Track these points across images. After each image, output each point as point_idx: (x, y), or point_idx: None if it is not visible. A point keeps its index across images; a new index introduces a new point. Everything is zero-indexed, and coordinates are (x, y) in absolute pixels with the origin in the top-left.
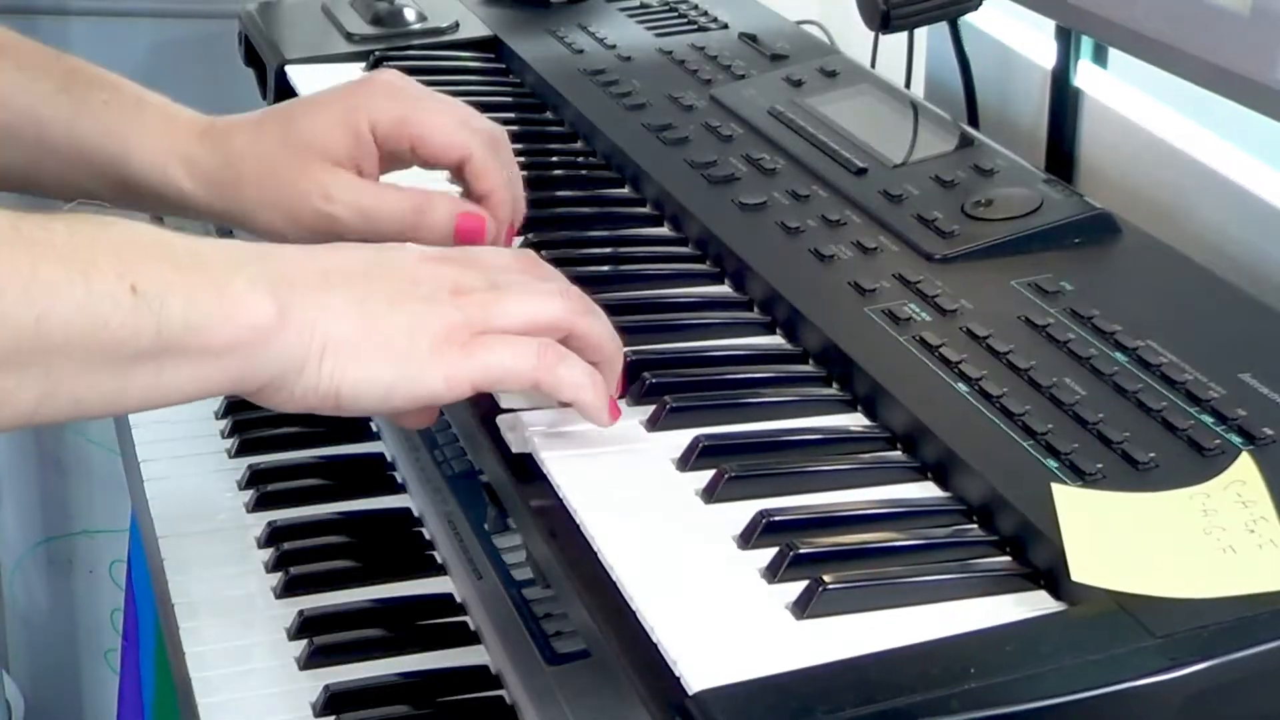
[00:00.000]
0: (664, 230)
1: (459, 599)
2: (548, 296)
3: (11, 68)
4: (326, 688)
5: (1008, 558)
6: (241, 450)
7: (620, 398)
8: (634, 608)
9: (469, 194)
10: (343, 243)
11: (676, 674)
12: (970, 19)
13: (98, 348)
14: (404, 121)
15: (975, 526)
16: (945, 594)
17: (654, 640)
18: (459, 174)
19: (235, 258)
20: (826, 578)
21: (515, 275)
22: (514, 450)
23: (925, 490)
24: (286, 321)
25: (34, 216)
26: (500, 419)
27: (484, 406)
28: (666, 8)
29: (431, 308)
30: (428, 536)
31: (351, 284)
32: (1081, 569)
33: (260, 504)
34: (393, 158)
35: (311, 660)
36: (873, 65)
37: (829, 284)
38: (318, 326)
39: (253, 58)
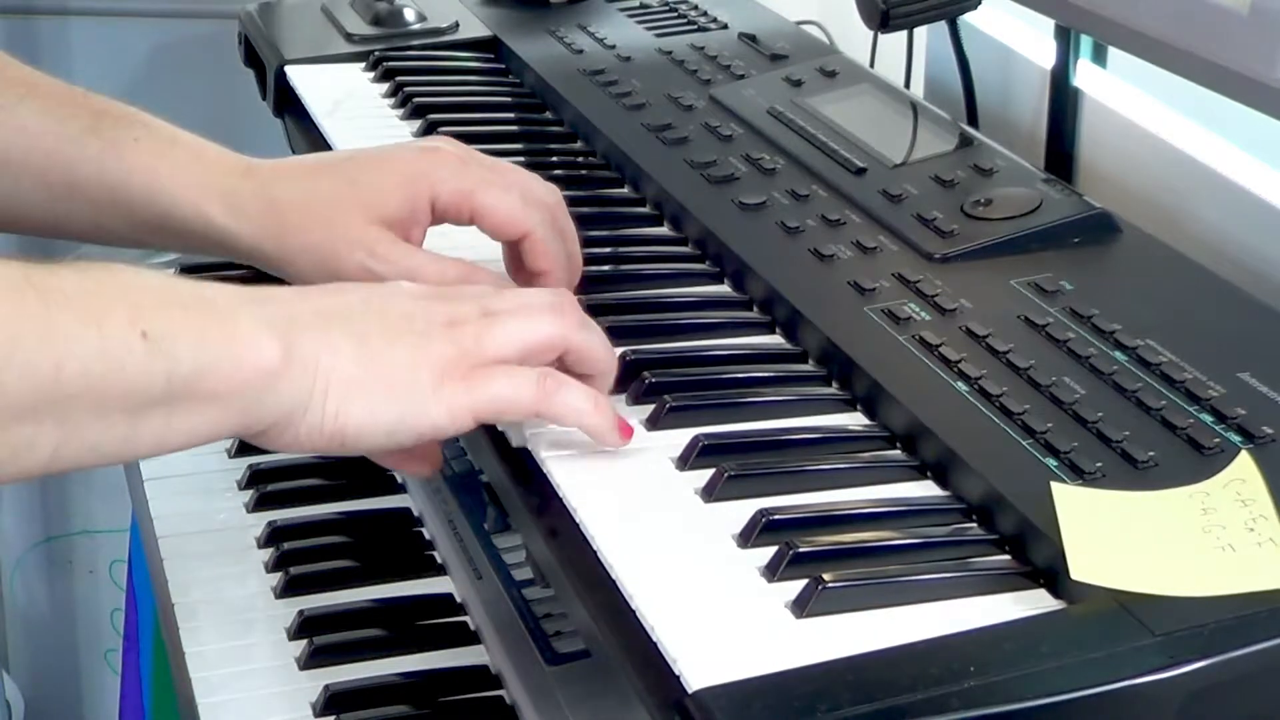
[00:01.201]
0: (664, 230)
1: (459, 599)
2: (539, 316)
3: (38, 110)
4: (326, 688)
5: (1007, 556)
6: (241, 450)
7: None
8: (633, 607)
9: (526, 266)
10: (338, 283)
11: (676, 673)
12: (969, 18)
13: (112, 394)
14: (467, 196)
15: (975, 525)
16: (944, 593)
17: (653, 639)
18: (516, 248)
19: (238, 300)
20: (826, 576)
21: (507, 299)
22: (513, 444)
23: (925, 489)
24: (291, 362)
25: (42, 265)
26: None
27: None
28: (666, 8)
29: (429, 342)
30: (428, 536)
31: (349, 323)
32: (1081, 567)
33: (260, 504)
34: (445, 221)
35: (311, 660)
36: (872, 65)
37: (829, 283)
38: (321, 366)
39: (252, 58)
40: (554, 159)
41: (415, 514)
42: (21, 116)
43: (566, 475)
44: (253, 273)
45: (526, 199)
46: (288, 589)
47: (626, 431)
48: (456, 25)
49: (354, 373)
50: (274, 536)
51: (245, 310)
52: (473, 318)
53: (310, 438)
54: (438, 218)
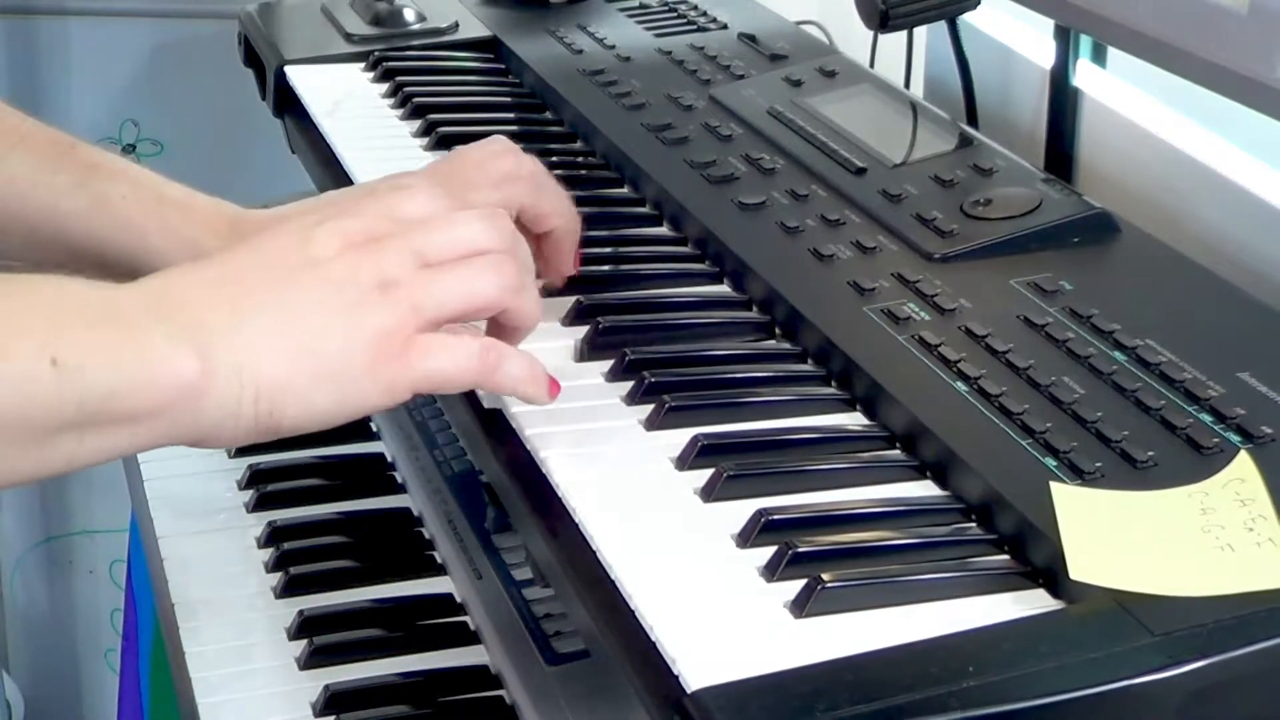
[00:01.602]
0: (663, 230)
1: (459, 599)
2: (481, 276)
3: (30, 161)
4: (326, 688)
5: (1006, 556)
6: (241, 450)
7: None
8: (633, 606)
9: (534, 238)
10: (256, 240)
11: (675, 672)
12: (969, 18)
13: (19, 423)
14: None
15: (974, 525)
16: (944, 592)
17: (653, 639)
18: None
19: (154, 309)
20: (825, 576)
21: (442, 238)
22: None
23: (924, 489)
24: (213, 373)
25: None
26: None
27: (483, 408)
28: (666, 8)
29: (360, 316)
30: (428, 536)
31: (272, 311)
32: (1080, 567)
33: (260, 504)
34: None
35: (311, 660)
36: (872, 65)
37: (828, 283)
38: (245, 370)
39: (252, 58)
40: (554, 159)
41: (415, 514)
42: (12, 167)
43: (566, 475)
44: None
45: (497, 225)
46: (288, 589)
47: (555, 388)
48: (456, 25)
49: (281, 370)
50: (274, 536)
51: (160, 324)
52: (407, 274)
53: (246, 438)
54: None
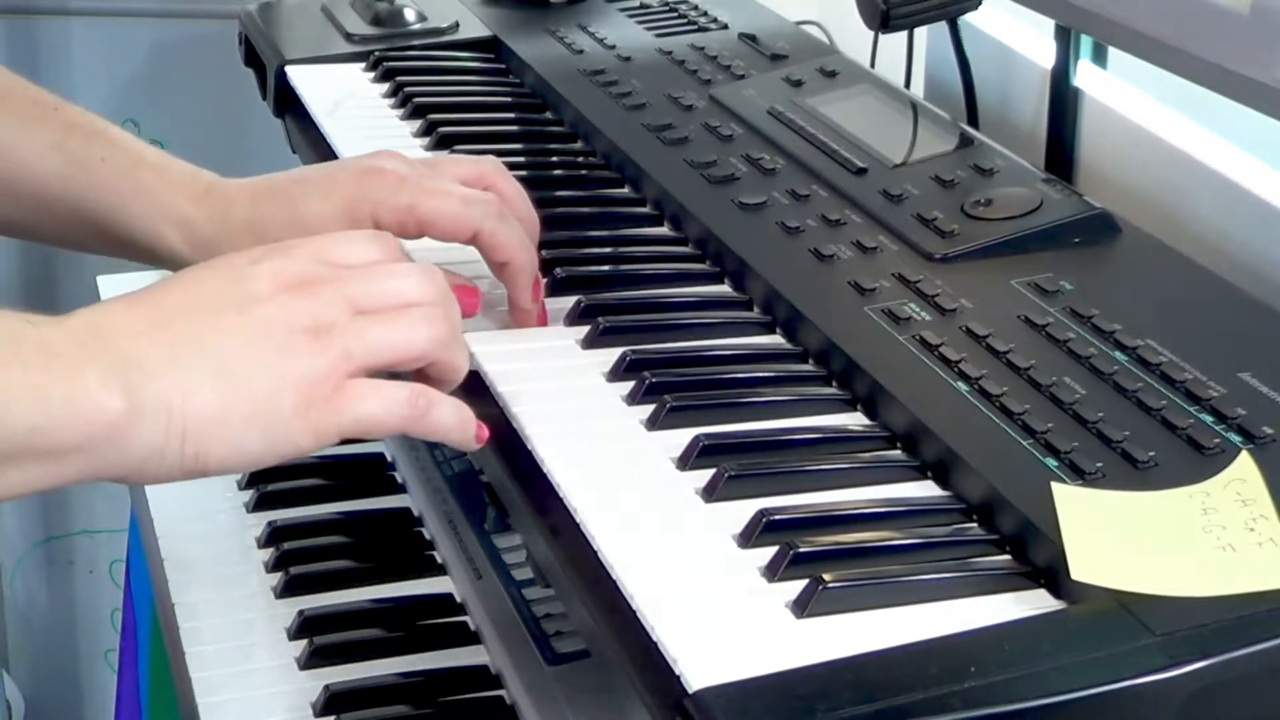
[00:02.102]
0: (664, 230)
1: (459, 599)
2: (413, 328)
3: (11, 120)
4: (326, 688)
5: (1007, 556)
6: None
7: None
8: (634, 607)
9: (489, 263)
10: (187, 277)
11: (676, 673)
12: (970, 19)
13: None
14: (408, 212)
15: (975, 525)
16: (945, 593)
17: (653, 639)
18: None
19: (84, 345)
20: (826, 576)
21: (378, 288)
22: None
23: (925, 489)
24: (141, 413)
25: None
26: None
27: (484, 407)
28: (666, 8)
29: (290, 360)
30: (428, 536)
31: (204, 350)
32: (1081, 568)
33: (260, 504)
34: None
35: (311, 660)
36: (872, 65)
37: (829, 284)
38: (173, 411)
39: (253, 58)
40: (554, 159)
41: (415, 514)
42: None
43: (567, 475)
44: None
45: (467, 200)
46: (288, 589)
47: (482, 434)
48: (456, 25)
49: (210, 411)
50: (274, 536)
51: (90, 360)
52: (340, 320)
53: (171, 475)
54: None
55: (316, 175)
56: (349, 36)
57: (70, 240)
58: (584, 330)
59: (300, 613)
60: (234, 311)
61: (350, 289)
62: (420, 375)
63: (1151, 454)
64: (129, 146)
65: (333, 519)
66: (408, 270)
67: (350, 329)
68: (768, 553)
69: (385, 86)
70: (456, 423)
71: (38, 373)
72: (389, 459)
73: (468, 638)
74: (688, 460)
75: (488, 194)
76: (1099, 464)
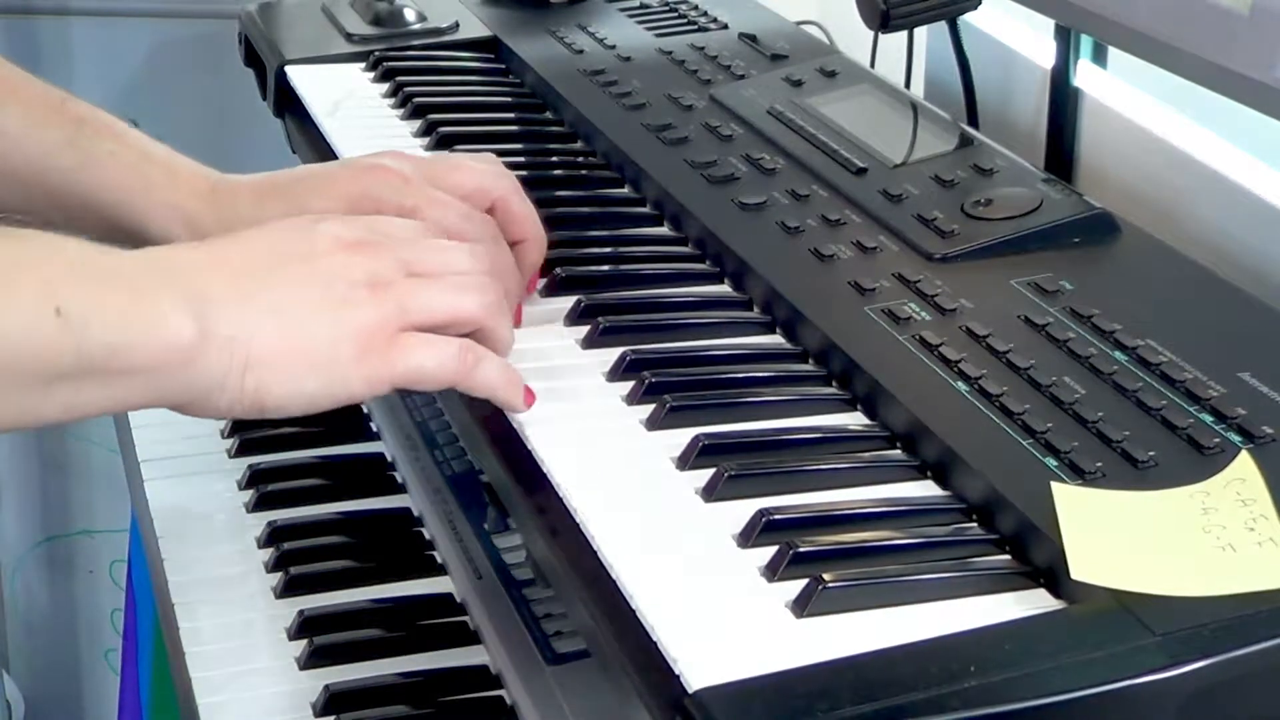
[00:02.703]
0: (664, 230)
1: (459, 599)
2: (464, 293)
3: (20, 114)
4: (326, 688)
5: (1007, 556)
6: (241, 450)
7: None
8: (634, 607)
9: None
10: (260, 229)
11: (676, 673)
12: (970, 19)
13: (19, 368)
14: (411, 213)
15: (975, 525)
16: (945, 592)
17: (653, 639)
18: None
19: (156, 274)
20: (826, 576)
21: (431, 255)
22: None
23: (925, 489)
24: (208, 341)
25: None
26: None
27: (484, 407)
28: (666, 8)
29: (350, 310)
30: (428, 536)
31: (269, 290)
32: (1081, 567)
33: (260, 504)
34: None
35: (311, 660)
36: (872, 65)
37: (829, 283)
38: (238, 343)
39: (253, 58)
40: (554, 159)
41: (415, 514)
42: (2, 121)
43: (567, 474)
44: None
45: (468, 217)
46: (288, 589)
47: (530, 397)
48: (456, 25)
49: (273, 348)
50: (274, 536)
51: (163, 288)
52: (396, 277)
53: (230, 409)
54: None
55: (320, 173)
56: (349, 36)
57: (76, 233)
58: (584, 330)
59: (300, 613)
60: (298, 262)
61: (405, 253)
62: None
63: (1151, 454)
64: (136, 142)
65: (333, 519)
66: (457, 244)
67: (405, 287)
68: (767, 552)
69: (385, 86)
70: (503, 381)
71: (114, 294)
72: (389, 459)
73: (468, 638)
74: (688, 460)
75: (485, 217)
76: (1099, 464)
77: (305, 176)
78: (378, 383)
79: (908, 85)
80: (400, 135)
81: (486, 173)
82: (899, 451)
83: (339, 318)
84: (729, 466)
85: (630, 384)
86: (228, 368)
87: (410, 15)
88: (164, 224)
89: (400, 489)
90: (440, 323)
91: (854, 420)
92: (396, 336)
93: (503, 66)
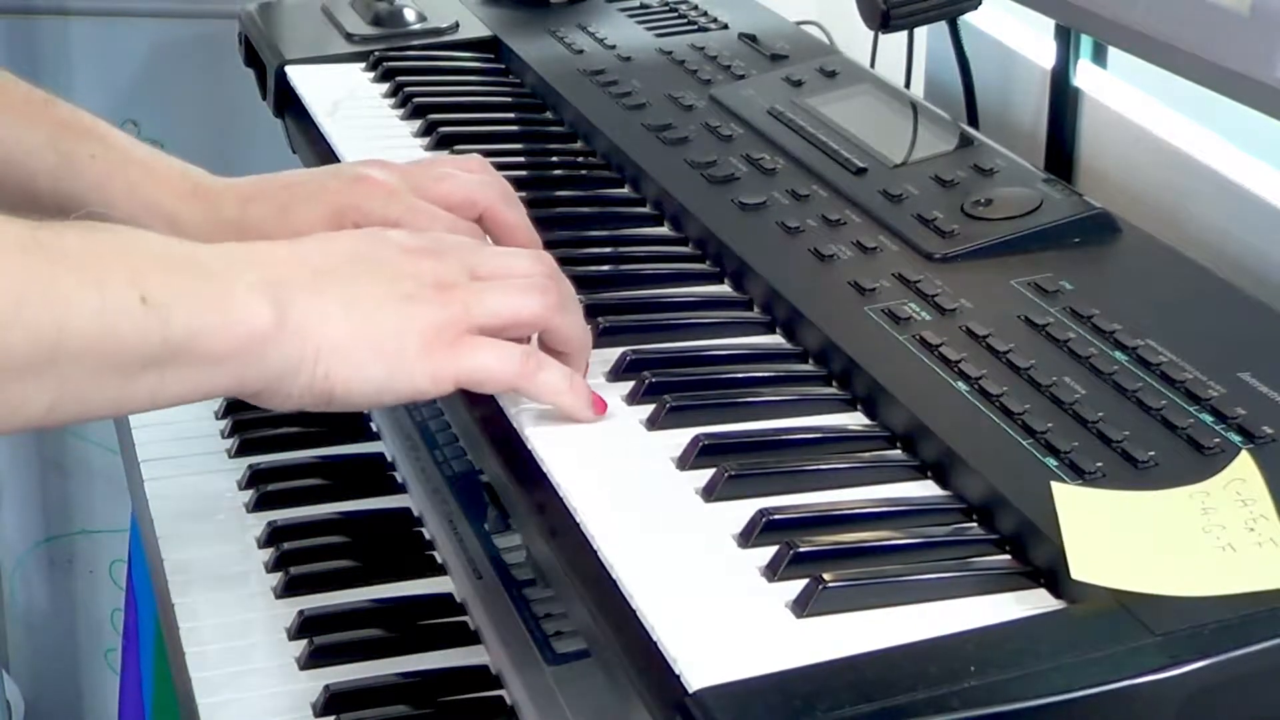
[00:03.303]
0: (664, 230)
1: (459, 599)
2: (527, 294)
3: (3, 117)
4: (326, 688)
5: (1007, 556)
6: (241, 450)
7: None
8: (634, 607)
9: None
10: (328, 234)
11: (676, 673)
12: (970, 19)
13: (108, 356)
14: (397, 225)
15: (975, 525)
16: (945, 592)
17: (653, 639)
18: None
19: (234, 264)
20: (826, 576)
21: (494, 261)
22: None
23: (925, 489)
24: (284, 327)
25: (48, 225)
26: None
27: (483, 407)
28: (666, 8)
29: (417, 308)
30: (428, 536)
31: (341, 285)
32: (1081, 567)
33: (260, 504)
34: None
35: (311, 660)
36: (872, 65)
37: (829, 283)
38: (311, 331)
39: (253, 58)
40: (554, 159)
41: (415, 514)
42: None
43: (566, 474)
44: None
45: (454, 226)
46: (288, 589)
47: (600, 406)
48: (456, 25)
49: (344, 337)
50: (274, 536)
51: (240, 276)
52: (461, 281)
53: (301, 398)
54: None
55: (307, 180)
56: (349, 36)
57: None
58: None
59: (300, 613)
60: (369, 260)
61: (469, 259)
62: (543, 346)
63: (1151, 454)
64: (118, 144)
65: (333, 519)
66: (519, 251)
67: (470, 289)
68: (768, 552)
69: (385, 86)
70: (566, 386)
71: (196, 282)
72: (389, 459)
73: (468, 638)
74: (688, 460)
75: (472, 226)
76: (1099, 464)
77: (293, 183)
78: (442, 379)
79: (908, 85)
80: (400, 135)
81: (472, 183)
82: (899, 451)
83: (406, 312)
84: (729, 466)
85: (630, 384)
86: (301, 355)
87: (410, 15)
88: (145, 226)
89: (400, 489)
90: (504, 323)
91: (854, 420)
92: (462, 336)
93: (503, 66)
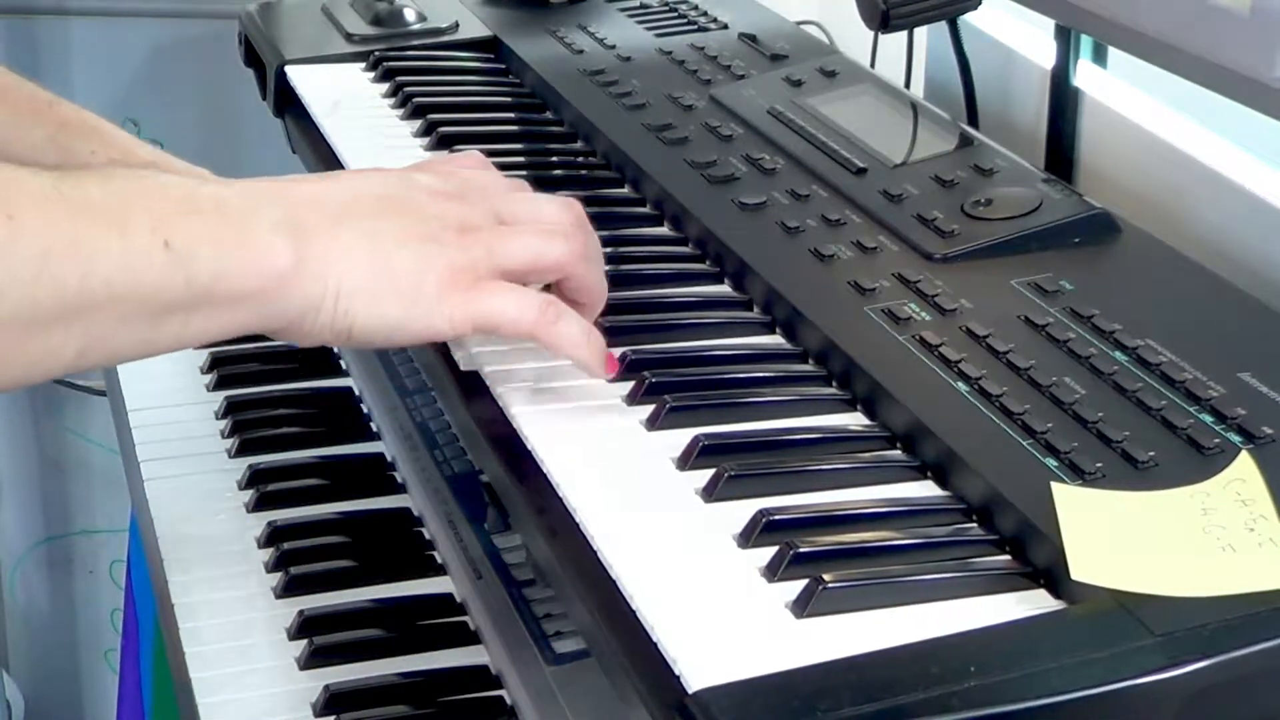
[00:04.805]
0: (664, 230)
1: (459, 599)
2: (551, 239)
3: (6, 115)
4: (326, 688)
5: (1007, 557)
6: (241, 450)
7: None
8: (634, 607)
9: None
10: (355, 172)
11: (676, 673)
12: (970, 19)
13: (134, 303)
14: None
15: (975, 525)
16: (945, 593)
17: (653, 639)
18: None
19: (255, 203)
20: (826, 576)
21: (520, 205)
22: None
23: (925, 489)
24: (305, 265)
25: (69, 174)
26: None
27: (483, 408)
28: (666, 8)
29: (439, 248)
30: (428, 536)
31: (363, 224)
32: (1081, 568)
33: (260, 504)
34: None
35: (311, 660)
36: (872, 65)
37: (829, 284)
38: (331, 269)
39: (253, 58)
40: (554, 159)
41: (415, 514)
42: None
43: (566, 475)
44: None
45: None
46: (288, 589)
47: (613, 365)
48: (456, 25)
49: (363, 277)
50: (274, 536)
51: (261, 215)
52: (486, 224)
53: (320, 334)
54: None
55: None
56: (349, 36)
57: None
58: None
59: (300, 613)
60: (394, 200)
61: (495, 203)
62: (560, 295)
63: (1151, 454)
64: (120, 143)
65: (333, 519)
66: (547, 197)
67: (493, 232)
68: (768, 553)
69: (385, 86)
70: (583, 340)
71: (216, 223)
72: (389, 459)
73: (468, 638)
74: (688, 460)
75: (500, 175)
76: (1099, 464)
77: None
78: (460, 321)
79: (908, 85)
80: (400, 135)
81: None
82: (899, 452)
83: (426, 251)
84: (729, 467)
85: (630, 384)
86: (323, 292)
87: (410, 15)
88: None
89: (400, 489)
90: (525, 267)
91: (854, 420)
92: (482, 279)
93: (503, 66)
